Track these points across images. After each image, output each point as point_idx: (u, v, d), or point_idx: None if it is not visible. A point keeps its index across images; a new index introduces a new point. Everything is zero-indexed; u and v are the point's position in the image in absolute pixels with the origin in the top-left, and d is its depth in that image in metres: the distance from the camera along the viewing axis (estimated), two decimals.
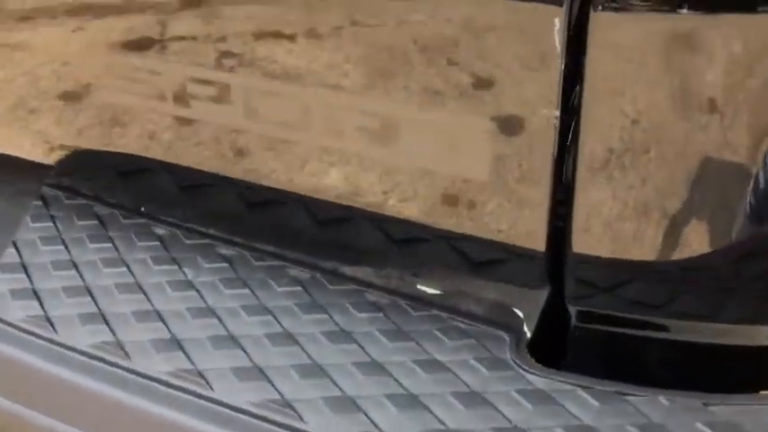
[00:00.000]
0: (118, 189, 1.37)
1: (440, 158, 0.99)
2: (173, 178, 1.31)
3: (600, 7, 0.78)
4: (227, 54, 1.16)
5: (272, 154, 1.17)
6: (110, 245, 1.26)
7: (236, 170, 1.20)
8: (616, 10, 0.77)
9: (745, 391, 0.94)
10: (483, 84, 0.95)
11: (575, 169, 0.89)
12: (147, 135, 1.27)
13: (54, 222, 1.31)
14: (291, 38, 1.10)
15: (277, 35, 1.11)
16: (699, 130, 0.85)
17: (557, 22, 0.80)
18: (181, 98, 1.22)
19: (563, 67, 0.83)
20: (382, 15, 1.01)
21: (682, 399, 0.93)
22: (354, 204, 1.13)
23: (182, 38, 1.19)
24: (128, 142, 1.28)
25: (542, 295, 1.07)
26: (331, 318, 1.10)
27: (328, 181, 1.12)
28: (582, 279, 0.98)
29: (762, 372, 0.96)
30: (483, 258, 1.08)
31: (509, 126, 0.93)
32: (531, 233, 0.97)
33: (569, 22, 0.80)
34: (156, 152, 1.26)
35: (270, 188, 1.19)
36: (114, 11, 1.25)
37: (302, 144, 1.13)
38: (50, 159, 1.40)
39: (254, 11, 1.13)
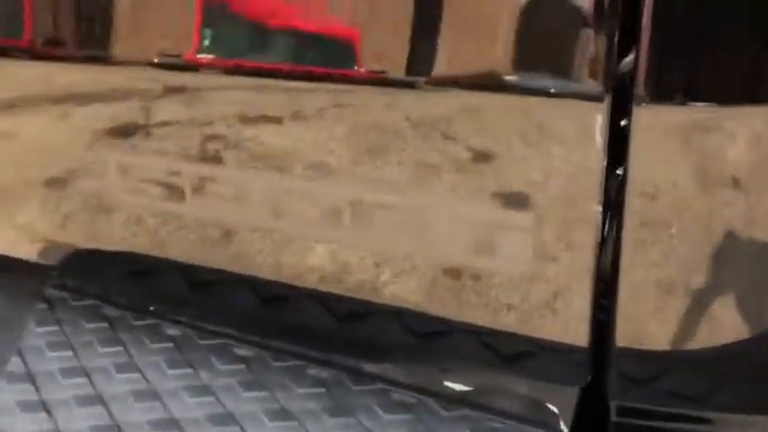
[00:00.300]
0: (125, 288, 1.33)
1: (440, 235, 0.97)
2: (182, 276, 1.27)
3: (642, 103, 0.77)
4: (212, 138, 1.15)
5: (258, 235, 1.15)
6: (121, 348, 1.21)
7: (222, 252, 1.17)
8: (658, 102, 0.77)
9: None
10: (482, 158, 0.94)
11: (617, 263, 0.86)
12: (133, 220, 1.25)
13: (60, 326, 1.27)
14: (277, 120, 1.09)
15: (262, 119, 1.11)
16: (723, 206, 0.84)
17: (599, 119, 0.79)
18: (166, 183, 1.20)
19: (605, 162, 0.82)
20: (368, 99, 1.00)
21: None
22: (372, 299, 1.10)
23: (166, 123, 1.19)
24: (114, 228, 1.26)
25: (575, 389, 1.03)
26: (358, 421, 1.06)
27: (315, 259, 1.09)
28: (620, 371, 0.95)
29: None
30: (513, 351, 1.05)
31: (513, 201, 0.91)
32: (547, 305, 0.94)
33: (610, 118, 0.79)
34: (143, 238, 1.24)
35: (283, 284, 1.16)
36: (98, 98, 1.24)
37: (289, 223, 1.11)
38: (43, 254, 1.38)
39: (237, 96, 1.12)
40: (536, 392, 1.06)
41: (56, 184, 1.31)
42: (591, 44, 0.78)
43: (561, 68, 0.81)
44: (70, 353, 1.21)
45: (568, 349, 0.94)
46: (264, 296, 1.21)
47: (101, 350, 1.21)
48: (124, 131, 1.22)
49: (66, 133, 1.28)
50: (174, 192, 1.20)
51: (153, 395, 1.12)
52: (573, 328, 0.92)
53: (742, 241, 0.86)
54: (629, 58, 0.80)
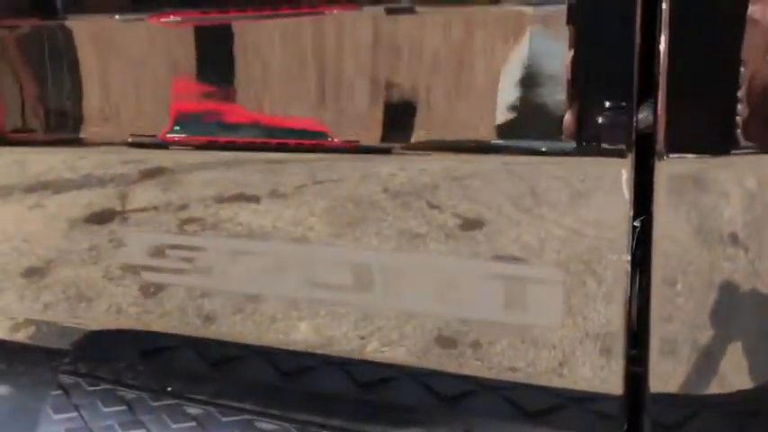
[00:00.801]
0: (139, 370, 1.32)
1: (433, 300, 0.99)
2: (196, 353, 1.27)
3: (663, 157, 0.82)
4: (189, 221, 1.17)
5: (240, 317, 1.16)
6: (144, 430, 1.19)
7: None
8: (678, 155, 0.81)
9: None
10: (472, 225, 0.97)
11: (648, 313, 0.89)
12: (114, 308, 1.26)
13: (78, 412, 1.25)
14: (255, 199, 1.11)
15: (239, 198, 1.13)
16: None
17: (624, 173, 0.83)
18: (145, 268, 1.21)
19: (631, 213, 0.86)
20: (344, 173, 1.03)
21: None
22: (394, 362, 1.11)
23: (143, 209, 1.21)
24: (95, 315, 1.26)
25: None
26: None
27: (298, 336, 1.10)
28: (654, 417, 0.97)
29: None
30: (537, 407, 1.06)
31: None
32: (554, 369, 0.96)
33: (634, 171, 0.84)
34: (125, 325, 1.24)
35: (302, 353, 1.16)
36: (73, 185, 1.25)
37: (269, 302, 1.13)
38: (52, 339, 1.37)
39: (212, 176, 1.14)
40: None
41: (33, 273, 1.31)
42: (615, 107, 0.83)
43: (586, 130, 0.85)
44: None
45: (605, 399, 0.96)
46: (283, 369, 1.21)
47: None
48: (99, 218, 1.24)
49: (41, 222, 1.29)
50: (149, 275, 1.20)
51: None
52: (608, 379, 0.94)
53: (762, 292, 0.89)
54: (648, 115, 0.85)
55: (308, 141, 1.04)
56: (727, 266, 0.87)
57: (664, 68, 0.80)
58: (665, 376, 0.92)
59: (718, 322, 0.92)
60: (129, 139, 1.16)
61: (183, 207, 1.17)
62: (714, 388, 0.95)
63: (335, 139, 1.02)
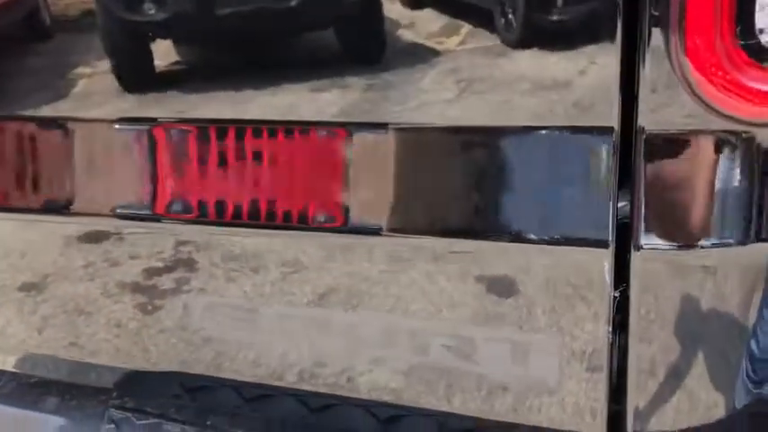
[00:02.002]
0: (181, 406, 1.49)
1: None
2: (231, 391, 1.43)
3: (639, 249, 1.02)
4: (184, 242, 1.29)
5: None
6: None
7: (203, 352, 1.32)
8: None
9: None
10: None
11: (626, 363, 1.09)
12: (113, 324, 1.37)
13: None
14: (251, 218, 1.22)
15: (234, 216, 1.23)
16: None
17: (606, 264, 1.04)
18: (141, 287, 1.33)
19: (613, 295, 1.06)
20: None
21: None
22: (415, 405, 1.28)
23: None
24: (95, 331, 1.38)
25: None
26: None
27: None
28: None
29: None
30: None
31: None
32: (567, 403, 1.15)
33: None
34: (124, 341, 1.36)
35: (331, 394, 1.33)
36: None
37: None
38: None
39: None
40: None
41: (30, 288, 1.41)
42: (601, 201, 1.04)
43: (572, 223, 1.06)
44: None
45: None
46: (314, 407, 1.38)
47: None
48: (95, 237, 1.34)
49: (38, 238, 1.39)
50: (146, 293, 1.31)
51: None
52: (591, 421, 1.14)
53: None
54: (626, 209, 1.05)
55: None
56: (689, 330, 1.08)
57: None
58: (642, 417, 1.12)
59: (685, 373, 1.12)
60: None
61: None
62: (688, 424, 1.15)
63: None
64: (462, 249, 1.12)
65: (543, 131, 1.05)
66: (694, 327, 1.08)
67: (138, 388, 1.51)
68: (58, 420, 1.50)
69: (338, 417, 1.37)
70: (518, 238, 1.07)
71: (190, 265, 1.31)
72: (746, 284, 1.04)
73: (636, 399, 1.12)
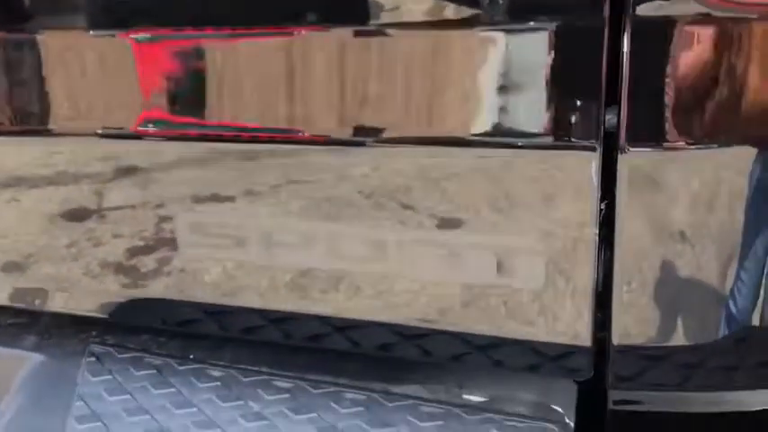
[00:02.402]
0: (163, 341, 1.48)
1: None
2: (215, 324, 1.42)
3: (625, 151, 1.04)
4: (166, 219, 1.30)
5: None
6: (173, 389, 1.36)
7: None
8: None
9: None
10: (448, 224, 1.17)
11: (611, 268, 1.10)
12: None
13: (113, 375, 1.40)
14: (230, 198, 1.25)
15: (215, 197, 1.26)
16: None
17: (593, 163, 1.05)
18: (123, 267, 1.34)
19: (598, 194, 1.07)
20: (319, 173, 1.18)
21: None
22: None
23: (119, 207, 1.32)
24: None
25: (575, 390, 1.25)
26: (399, 431, 1.24)
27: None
28: (617, 366, 1.17)
29: None
30: (519, 362, 1.25)
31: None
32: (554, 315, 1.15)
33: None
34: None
35: (309, 315, 1.32)
36: (47, 182, 1.34)
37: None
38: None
39: (187, 175, 1.26)
40: (543, 396, 1.27)
41: (12, 268, 1.42)
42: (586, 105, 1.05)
43: (564, 126, 1.06)
44: (128, 396, 1.35)
45: (574, 350, 1.17)
46: (293, 334, 1.38)
47: (155, 392, 1.35)
48: (76, 215, 1.35)
49: (18, 217, 1.38)
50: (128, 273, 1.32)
51: (213, 424, 1.27)
52: (577, 333, 1.15)
53: (715, 254, 1.10)
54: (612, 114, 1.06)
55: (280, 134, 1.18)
56: (677, 238, 1.09)
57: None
58: (626, 330, 1.13)
59: (669, 287, 1.13)
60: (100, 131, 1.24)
61: None
62: (668, 341, 1.16)
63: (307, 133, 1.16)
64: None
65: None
66: (682, 235, 1.10)
67: (124, 324, 1.50)
68: (38, 357, 1.48)
69: (322, 342, 1.37)
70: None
71: None
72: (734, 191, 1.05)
73: (621, 309, 1.13)
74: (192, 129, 1.23)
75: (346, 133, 1.16)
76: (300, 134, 1.18)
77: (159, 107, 1.23)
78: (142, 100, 1.24)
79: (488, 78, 1.07)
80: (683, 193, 1.07)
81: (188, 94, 1.22)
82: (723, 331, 1.15)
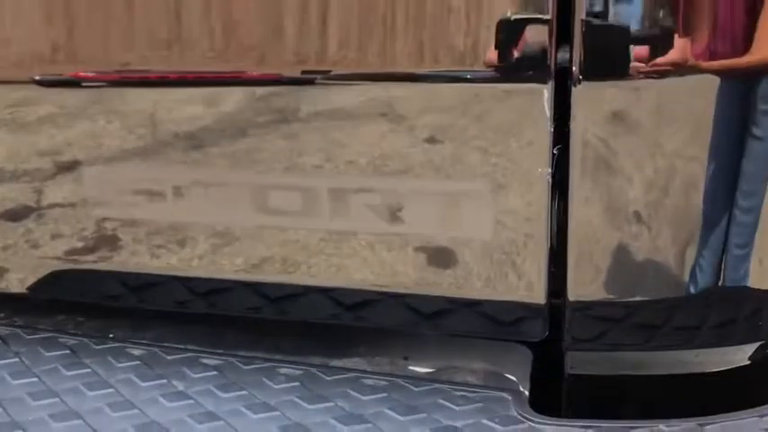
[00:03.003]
0: (80, 320, 1.35)
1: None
2: (135, 300, 1.29)
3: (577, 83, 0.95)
4: (106, 219, 1.21)
5: None
6: (88, 370, 1.22)
7: None
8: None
9: (734, 410, 1.05)
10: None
11: (566, 227, 1.01)
12: None
13: (19, 357, 1.26)
14: (176, 191, 1.16)
15: (154, 193, 1.17)
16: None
17: (545, 93, 0.96)
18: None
19: (551, 130, 0.98)
20: None
21: (679, 424, 1.03)
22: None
23: (59, 204, 1.22)
24: None
25: (529, 355, 1.16)
26: (336, 405, 1.12)
27: None
28: (573, 324, 1.08)
29: (745, 391, 1.09)
30: (467, 329, 1.15)
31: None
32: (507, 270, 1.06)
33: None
34: None
35: (231, 280, 1.20)
36: None
37: None
38: None
39: (127, 169, 1.17)
40: (492, 365, 1.18)
41: None
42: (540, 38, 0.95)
43: (515, 59, 0.97)
44: (35, 379, 1.21)
45: (528, 309, 1.07)
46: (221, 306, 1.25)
47: (67, 373, 1.22)
48: (14, 215, 1.25)
49: None
50: None
51: (130, 405, 1.14)
52: (531, 290, 1.05)
53: (670, 203, 1.02)
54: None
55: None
56: (634, 181, 1.00)
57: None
58: (582, 286, 1.04)
59: (629, 237, 1.04)
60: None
61: None
62: (624, 298, 1.07)
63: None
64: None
65: None
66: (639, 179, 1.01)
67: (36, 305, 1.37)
68: None
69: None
70: None
71: None
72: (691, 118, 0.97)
73: (577, 263, 1.04)
74: None
75: None
76: None
77: None
78: None
79: None
80: (640, 130, 0.98)
81: None
82: (681, 287, 1.06)
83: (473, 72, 1.00)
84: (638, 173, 1.00)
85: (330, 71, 1.06)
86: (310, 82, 1.07)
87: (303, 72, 1.07)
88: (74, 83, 1.17)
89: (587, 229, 1.03)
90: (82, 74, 1.17)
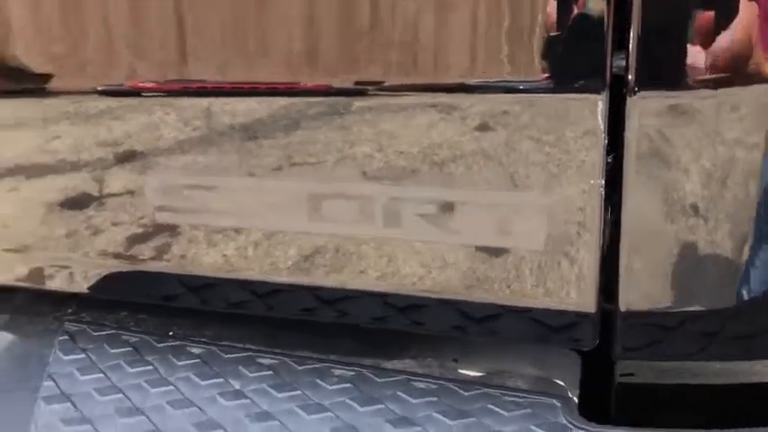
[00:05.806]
0: (142, 317, 1.40)
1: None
2: (197, 299, 1.34)
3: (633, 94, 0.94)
4: (164, 207, 1.23)
5: None
6: (150, 367, 1.27)
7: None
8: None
9: None
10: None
11: (619, 235, 1.01)
12: None
13: (86, 353, 1.32)
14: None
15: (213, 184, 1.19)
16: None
17: (600, 104, 0.96)
18: (124, 255, 1.27)
19: (605, 141, 0.98)
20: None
21: None
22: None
23: (119, 194, 1.25)
24: None
25: (578, 362, 1.17)
26: (387, 407, 1.15)
27: None
28: (624, 334, 1.08)
29: None
30: (518, 334, 1.16)
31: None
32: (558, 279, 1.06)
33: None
34: None
35: (292, 285, 1.23)
36: (48, 170, 1.29)
37: None
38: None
39: (188, 161, 1.19)
40: (544, 370, 1.18)
41: None
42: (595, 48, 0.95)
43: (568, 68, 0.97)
44: (101, 375, 1.26)
45: (578, 317, 1.07)
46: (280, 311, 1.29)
47: (130, 370, 1.27)
48: (76, 203, 1.28)
49: (18, 206, 1.33)
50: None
51: (189, 403, 1.18)
52: (581, 297, 1.06)
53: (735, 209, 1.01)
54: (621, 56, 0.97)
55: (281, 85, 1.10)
56: (691, 190, 1.00)
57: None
58: (634, 296, 1.04)
59: (682, 247, 1.03)
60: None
61: None
62: (679, 307, 1.07)
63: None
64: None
65: None
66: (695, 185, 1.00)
67: (101, 302, 1.42)
68: (8, 336, 1.40)
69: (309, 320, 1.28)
70: None
71: None
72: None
73: (629, 272, 1.04)
74: None
75: None
76: None
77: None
78: None
79: None
80: (698, 142, 0.97)
81: None
82: (740, 296, 1.05)
83: (526, 82, 1.01)
84: (693, 182, 0.99)
85: (383, 82, 1.07)
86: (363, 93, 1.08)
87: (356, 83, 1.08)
88: (134, 93, 1.21)
89: (639, 239, 1.03)
90: (140, 84, 1.20)
